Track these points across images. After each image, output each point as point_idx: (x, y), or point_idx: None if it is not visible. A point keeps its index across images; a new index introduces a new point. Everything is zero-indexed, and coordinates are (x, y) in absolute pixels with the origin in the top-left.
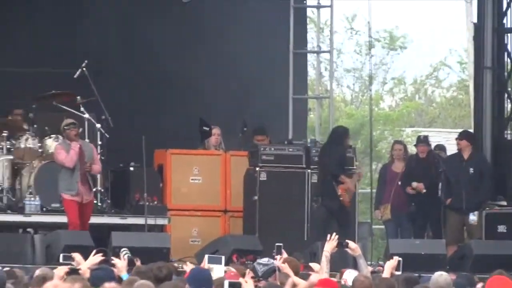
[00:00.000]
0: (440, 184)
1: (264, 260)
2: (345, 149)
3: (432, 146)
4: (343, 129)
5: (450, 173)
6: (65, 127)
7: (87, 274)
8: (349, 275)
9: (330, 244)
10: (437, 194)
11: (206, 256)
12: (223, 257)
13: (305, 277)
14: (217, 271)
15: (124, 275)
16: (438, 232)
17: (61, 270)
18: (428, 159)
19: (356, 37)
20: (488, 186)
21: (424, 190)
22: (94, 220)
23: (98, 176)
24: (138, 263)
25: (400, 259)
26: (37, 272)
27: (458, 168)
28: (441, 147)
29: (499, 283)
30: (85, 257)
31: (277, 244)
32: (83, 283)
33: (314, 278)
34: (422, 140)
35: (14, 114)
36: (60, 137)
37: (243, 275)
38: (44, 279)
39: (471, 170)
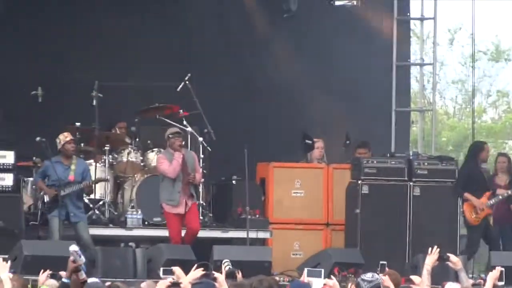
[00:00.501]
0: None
1: (369, 276)
2: (478, 165)
3: None
4: (477, 143)
5: None
6: (169, 136)
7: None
8: None
9: (431, 258)
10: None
11: (306, 270)
12: (322, 270)
13: None
14: (317, 284)
15: None
16: None
17: (163, 284)
18: None
19: (460, 49)
20: None
21: None
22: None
23: (200, 189)
24: (239, 275)
25: (503, 269)
26: (142, 285)
27: None
28: None
29: None
30: (187, 271)
31: (381, 262)
32: None
33: None
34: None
35: (119, 127)
36: (162, 150)
37: None
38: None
39: None
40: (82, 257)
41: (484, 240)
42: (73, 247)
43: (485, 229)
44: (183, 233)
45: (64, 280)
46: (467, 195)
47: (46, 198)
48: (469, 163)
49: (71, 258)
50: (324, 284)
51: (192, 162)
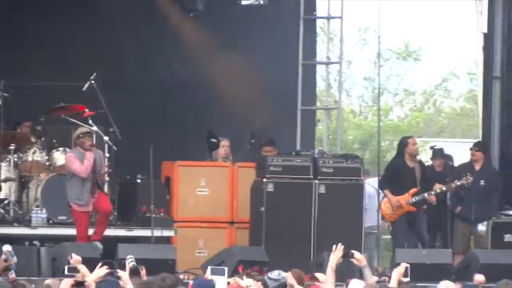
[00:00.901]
0: (448, 194)
1: (275, 274)
2: (404, 160)
3: None
4: (402, 139)
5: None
6: (80, 135)
7: (92, 286)
8: (355, 286)
9: (336, 255)
10: (446, 204)
11: (209, 268)
12: (226, 269)
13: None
14: (220, 283)
15: (130, 287)
16: (446, 241)
17: (67, 283)
18: (443, 171)
19: (369, 48)
20: (498, 200)
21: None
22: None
23: (106, 188)
24: (143, 271)
25: (408, 265)
26: (45, 282)
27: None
28: (449, 157)
29: None
30: (92, 269)
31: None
32: None
33: None
34: (438, 154)
35: (24, 126)
36: (68, 149)
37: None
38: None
39: (482, 182)
40: (15, 257)
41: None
42: (7, 247)
43: (413, 226)
44: (90, 231)
45: None
46: (385, 191)
47: None
48: (396, 158)
49: (3, 257)
50: (229, 283)
51: (99, 160)
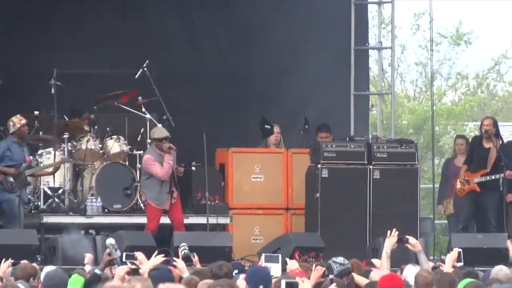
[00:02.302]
0: (501, 178)
1: (340, 259)
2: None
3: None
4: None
5: None
6: (158, 139)
7: (146, 274)
8: (410, 271)
9: (390, 240)
10: (500, 188)
11: (263, 255)
12: (279, 256)
13: (367, 273)
14: (275, 270)
15: (186, 275)
16: (501, 226)
17: (121, 270)
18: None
19: (422, 33)
20: None
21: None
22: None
23: None
24: (195, 259)
25: (460, 250)
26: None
27: None
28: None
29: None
30: (148, 258)
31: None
32: (145, 284)
33: (374, 274)
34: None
35: (83, 117)
36: (121, 137)
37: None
38: (104, 279)
39: None
40: (118, 251)
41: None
42: (110, 240)
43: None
44: None
45: (96, 271)
46: (462, 166)
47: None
48: (475, 137)
49: (107, 251)
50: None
51: (175, 158)
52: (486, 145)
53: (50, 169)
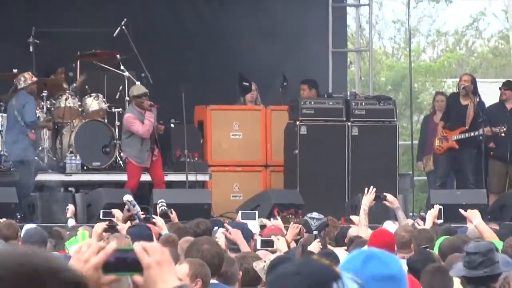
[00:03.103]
0: (480, 136)
1: (315, 214)
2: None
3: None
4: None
5: (493, 122)
6: (137, 95)
7: (124, 231)
8: (388, 228)
9: (368, 197)
10: (479, 144)
11: (240, 213)
12: (256, 213)
13: (345, 229)
14: (252, 226)
15: (164, 232)
16: (480, 181)
17: (99, 227)
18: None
19: None
20: None
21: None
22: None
23: None
24: (173, 215)
25: (441, 207)
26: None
27: (502, 118)
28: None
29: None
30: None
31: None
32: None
33: (352, 231)
34: None
35: (58, 73)
36: (100, 95)
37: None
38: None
39: None
40: (136, 206)
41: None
42: (127, 197)
43: (456, 164)
44: None
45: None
46: (439, 123)
47: None
48: (452, 94)
49: (126, 207)
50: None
51: (155, 115)
52: (464, 102)
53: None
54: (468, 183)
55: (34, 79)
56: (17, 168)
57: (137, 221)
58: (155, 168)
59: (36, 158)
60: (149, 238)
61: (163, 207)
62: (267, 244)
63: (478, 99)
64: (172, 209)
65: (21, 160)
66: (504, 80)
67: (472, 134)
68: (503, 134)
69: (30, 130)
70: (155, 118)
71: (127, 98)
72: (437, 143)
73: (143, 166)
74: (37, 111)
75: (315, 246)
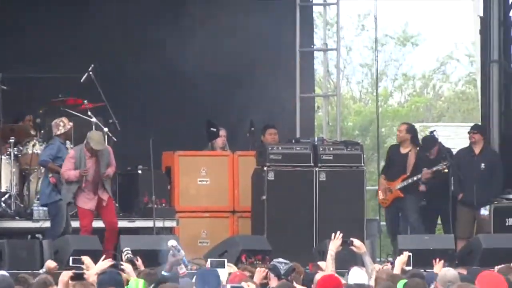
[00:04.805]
0: (451, 179)
1: (281, 260)
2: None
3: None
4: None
5: (461, 167)
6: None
7: (92, 278)
8: (355, 273)
9: (335, 243)
10: (448, 189)
11: (209, 260)
12: (225, 260)
13: (312, 275)
14: (222, 274)
15: (133, 279)
16: (448, 227)
17: (65, 275)
18: (438, 156)
19: (367, 33)
20: (499, 182)
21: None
22: (102, 224)
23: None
24: (138, 262)
25: (410, 254)
26: (38, 278)
27: (470, 162)
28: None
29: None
30: (94, 262)
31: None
32: None
33: (319, 277)
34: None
35: (26, 120)
36: (68, 142)
37: (252, 277)
38: (45, 284)
39: (483, 165)
40: (182, 251)
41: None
42: (172, 242)
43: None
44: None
45: (164, 273)
46: (381, 176)
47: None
48: (392, 145)
49: (171, 252)
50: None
51: (107, 156)
52: (403, 150)
53: None
54: (412, 230)
55: (71, 124)
56: None
57: (182, 266)
58: (105, 215)
59: (3, 205)
60: (120, 284)
61: (128, 255)
62: None
63: (418, 148)
64: (137, 257)
65: None
66: (472, 124)
67: (414, 178)
68: (446, 170)
69: None
70: (109, 160)
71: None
72: (382, 196)
73: (89, 207)
74: (3, 157)
75: None
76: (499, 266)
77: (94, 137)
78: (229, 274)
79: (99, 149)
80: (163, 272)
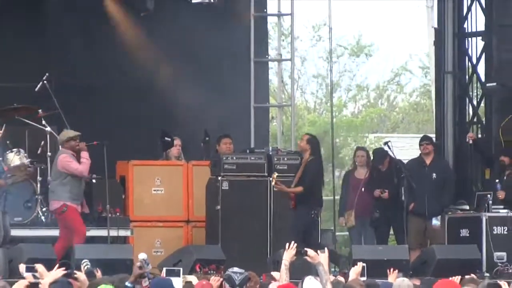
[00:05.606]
0: (402, 189)
1: (236, 269)
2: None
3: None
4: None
5: (413, 178)
6: (72, 138)
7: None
8: (309, 283)
9: (289, 253)
10: (400, 200)
11: (164, 269)
12: (181, 270)
13: (266, 286)
14: (176, 283)
15: None
16: (401, 237)
17: (20, 285)
18: (390, 167)
19: (322, 44)
20: (451, 192)
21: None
22: (56, 232)
23: None
24: (98, 273)
25: (364, 264)
26: None
27: (421, 173)
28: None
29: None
30: (49, 270)
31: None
32: None
33: (273, 286)
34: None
35: None
36: (22, 150)
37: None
38: None
39: (434, 175)
40: (150, 265)
41: None
42: (143, 255)
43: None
44: None
45: (128, 284)
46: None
47: None
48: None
49: (138, 264)
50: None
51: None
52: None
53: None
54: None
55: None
56: None
57: (146, 279)
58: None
59: None
60: None
61: (87, 266)
62: None
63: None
64: (97, 268)
65: None
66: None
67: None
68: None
69: None
70: None
71: (49, 153)
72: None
73: (79, 208)
74: None
75: None
76: (465, 277)
77: (66, 131)
78: (187, 283)
79: (78, 134)
80: (127, 283)
